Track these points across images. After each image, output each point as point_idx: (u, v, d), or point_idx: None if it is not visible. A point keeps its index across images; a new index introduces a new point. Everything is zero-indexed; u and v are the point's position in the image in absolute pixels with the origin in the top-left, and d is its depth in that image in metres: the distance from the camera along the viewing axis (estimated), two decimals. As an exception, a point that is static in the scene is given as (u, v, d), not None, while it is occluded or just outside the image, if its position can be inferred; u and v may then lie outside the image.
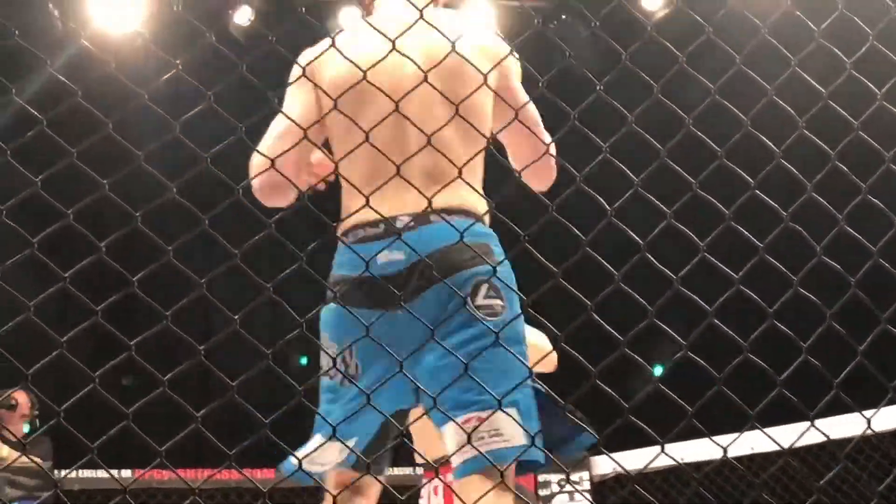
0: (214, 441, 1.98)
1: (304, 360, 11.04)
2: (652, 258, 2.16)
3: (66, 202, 1.96)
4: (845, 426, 5.16)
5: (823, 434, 2.30)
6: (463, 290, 2.49)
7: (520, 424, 2.37)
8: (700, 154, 2.32)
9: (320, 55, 2.57)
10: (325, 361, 2.63)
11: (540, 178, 2.75)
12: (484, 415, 2.38)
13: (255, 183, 2.58)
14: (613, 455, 6.95)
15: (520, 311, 2.54)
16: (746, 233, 2.24)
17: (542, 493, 7.21)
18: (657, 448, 2.23)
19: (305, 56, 2.73)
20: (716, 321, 2.12)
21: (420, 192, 2.39)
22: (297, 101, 2.68)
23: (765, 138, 2.29)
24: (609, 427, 2.29)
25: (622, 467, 7.08)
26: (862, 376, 2.32)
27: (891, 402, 2.35)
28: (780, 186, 2.38)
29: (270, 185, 2.58)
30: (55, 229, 1.93)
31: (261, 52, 2.27)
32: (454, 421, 2.40)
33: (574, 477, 7.22)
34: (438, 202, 2.46)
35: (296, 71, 2.68)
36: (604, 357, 2.17)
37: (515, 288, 2.55)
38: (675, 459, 2.39)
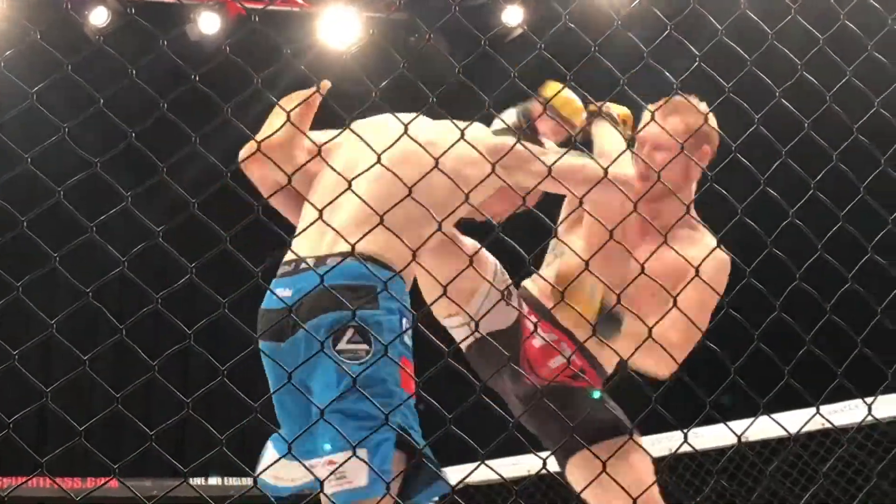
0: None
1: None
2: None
3: None
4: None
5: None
6: (327, 331, 2.53)
7: (368, 466, 2.40)
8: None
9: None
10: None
11: None
12: (335, 458, 2.43)
13: None
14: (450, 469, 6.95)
15: (393, 355, 2.54)
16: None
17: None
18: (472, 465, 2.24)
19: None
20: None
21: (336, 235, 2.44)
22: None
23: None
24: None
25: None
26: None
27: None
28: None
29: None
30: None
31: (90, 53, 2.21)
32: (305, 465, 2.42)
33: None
34: (343, 246, 2.51)
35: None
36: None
37: (398, 330, 2.59)
38: (498, 473, 2.41)
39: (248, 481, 7.50)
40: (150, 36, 2.12)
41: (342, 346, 2.54)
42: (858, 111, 2.51)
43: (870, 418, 2.64)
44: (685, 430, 2.30)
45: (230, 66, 2.20)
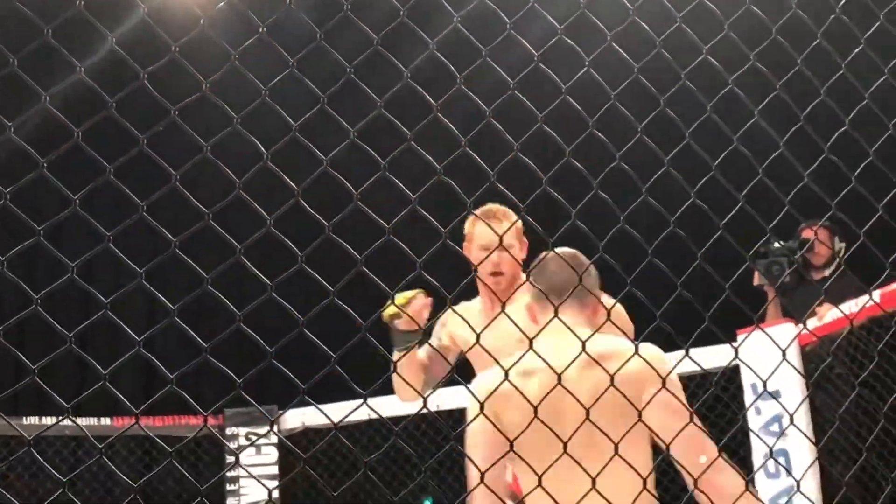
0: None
1: None
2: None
3: None
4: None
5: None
6: None
7: None
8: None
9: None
10: None
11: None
12: None
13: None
14: (305, 410, 7.00)
15: None
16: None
17: (232, 444, 7.17)
18: (352, 403, 2.24)
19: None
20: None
21: None
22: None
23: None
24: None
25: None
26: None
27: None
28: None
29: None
30: None
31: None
32: None
33: (262, 431, 7.20)
34: None
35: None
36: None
37: None
38: (376, 412, 2.41)
39: (92, 421, 7.43)
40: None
41: None
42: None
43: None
44: (559, 373, 2.34)
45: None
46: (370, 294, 2.22)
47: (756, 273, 6.12)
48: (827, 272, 6.20)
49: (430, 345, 4.21)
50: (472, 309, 4.18)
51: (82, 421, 7.11)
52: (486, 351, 2.41)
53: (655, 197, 2.34)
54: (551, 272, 3.02)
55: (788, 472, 5.42)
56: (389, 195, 2.16)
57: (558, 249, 2.99)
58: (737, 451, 5.76)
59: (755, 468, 5.46)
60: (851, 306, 5.27)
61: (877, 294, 4.88)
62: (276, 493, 7.10)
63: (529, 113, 2.29)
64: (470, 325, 3.03)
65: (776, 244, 6.09)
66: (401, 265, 2.11)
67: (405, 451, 6.96)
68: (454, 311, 3.79)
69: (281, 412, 7.06)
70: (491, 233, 4.10)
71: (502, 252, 4.02)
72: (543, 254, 3.01)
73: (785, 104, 2.54)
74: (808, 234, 6.14)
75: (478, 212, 4.05)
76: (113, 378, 1.86)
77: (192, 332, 1.89)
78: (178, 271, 2.10)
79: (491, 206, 4.06)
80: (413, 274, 2.02)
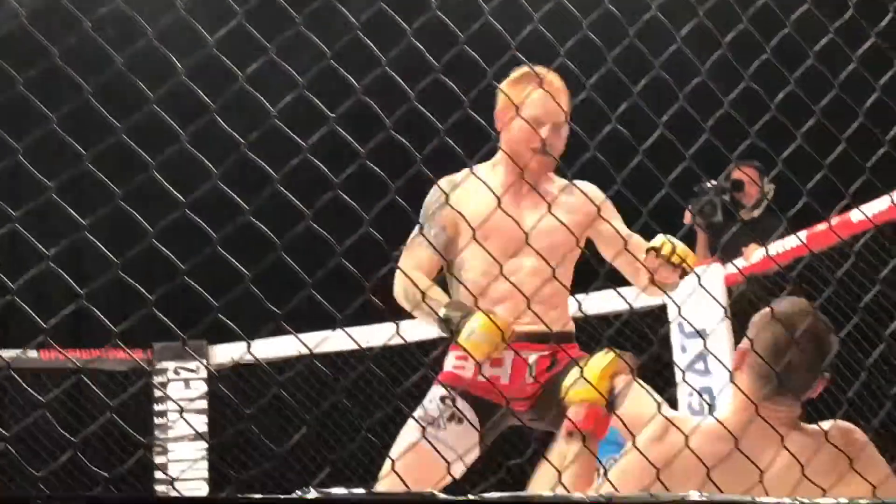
0: None
1: None
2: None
3: None
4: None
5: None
6: None
7: None
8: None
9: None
10: None
11: None
12: None
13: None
14: (235, 345, 6.97)
15: None
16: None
17: (158, 379, 7.12)
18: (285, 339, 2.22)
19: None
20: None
21: None
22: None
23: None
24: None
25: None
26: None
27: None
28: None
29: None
30: None
31: None
32: None
33: (191, 365, 7.16)
34: None
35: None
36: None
37: None
38: (305, 345, 2.39)
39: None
40: None
41: None
42: None
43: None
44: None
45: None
46: (292, 215, 2.17)
47: (687, 212, 6.15)
48: (756, 213, 6.24)
49: (428, 240, 3.34)
50: (488, 179, 3.28)
51: (7, 353, 7.02)
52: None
53: (580, 125, 2.32)
54: (777, 334, 2.42)
55: (712, 408, 5.50)
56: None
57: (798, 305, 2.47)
58: (664, 388, 5.83)
59: (680, 405, 5.54)
60: (778, 247, 5.33)
61: (803, 234, 4.93)
62: (204, 427, 7.10)
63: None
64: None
65: (707, 184, 6.13)
66: (319, 183, 2.07)
67: (335, 387, 6.97)
68: (474, 175, 2.73)
69: (209, 346, 7.02)
70: (549, 104, 3.27)
71: (559, 129, 3.38)
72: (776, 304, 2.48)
73: (710, 35, 2.51)
74: (738, 174, 6.18)
75: (528, 71, 3.17)
76: (39, 312, 1.82)
77: (104, 249, 1.83)
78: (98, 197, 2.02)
79: (543, 70, 2.96)
80: (328, 195, 1.97)
